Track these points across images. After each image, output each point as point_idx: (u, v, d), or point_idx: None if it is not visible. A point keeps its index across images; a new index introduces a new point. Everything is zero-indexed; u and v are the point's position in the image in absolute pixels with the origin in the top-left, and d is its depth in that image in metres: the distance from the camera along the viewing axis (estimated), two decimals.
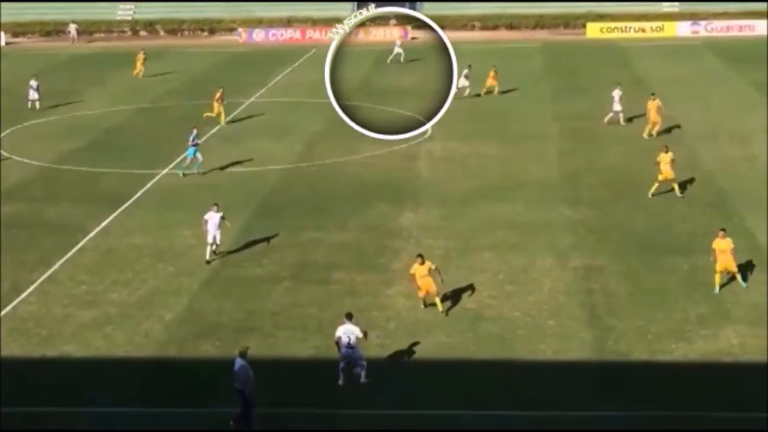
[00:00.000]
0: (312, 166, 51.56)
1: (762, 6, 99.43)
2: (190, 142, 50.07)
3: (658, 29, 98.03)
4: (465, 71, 68.82)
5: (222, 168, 51.22)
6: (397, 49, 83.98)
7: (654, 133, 55.14)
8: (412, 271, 33.51)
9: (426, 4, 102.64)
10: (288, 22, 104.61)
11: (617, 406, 27.37)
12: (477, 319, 32.87)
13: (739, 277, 34.85)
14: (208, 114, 59.91)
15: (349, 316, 28.91)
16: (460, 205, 44.23)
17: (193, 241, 40.46)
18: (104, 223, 42.90)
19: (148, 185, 48.41)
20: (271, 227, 41.92)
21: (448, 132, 57.41)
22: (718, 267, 34.47)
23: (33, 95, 66.29)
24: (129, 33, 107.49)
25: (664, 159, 44.62)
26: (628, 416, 26.86)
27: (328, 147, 54.79)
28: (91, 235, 41.48)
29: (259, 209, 44.55)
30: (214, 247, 38.24)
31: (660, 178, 44.57)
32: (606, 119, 56.87)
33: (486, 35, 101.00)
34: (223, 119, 59.94)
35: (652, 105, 55.69)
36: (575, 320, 32.63)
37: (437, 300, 33.56)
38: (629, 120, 58.68)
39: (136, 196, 46.62)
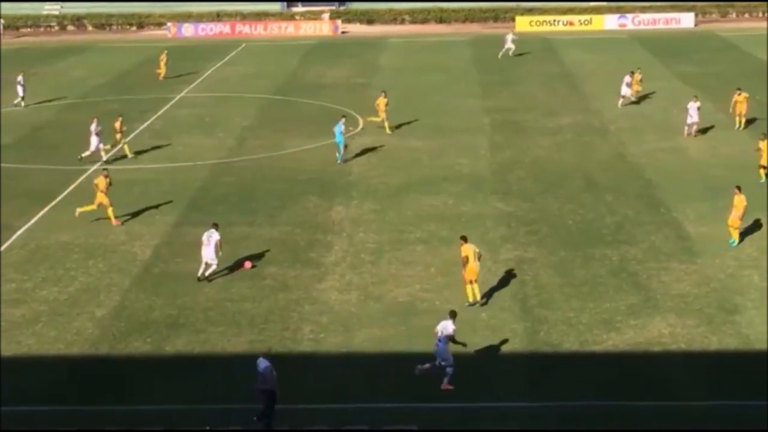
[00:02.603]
0: (242, 160, 51.39)
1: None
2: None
3: (586, 22, 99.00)
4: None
5: (152, 164, 50.84)
6: (509, 44, 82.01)
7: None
8: (464, 254, 32.93)
9: None
10: (217, 17, 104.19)
11: (549, 396, 27.64)
12: (409, 312, 32.99)
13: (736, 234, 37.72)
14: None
15: (453, 314, 28.26)
16: (392, 199, 44.34)
17: (123, 237, 40.18)
18: (33, 221, 42.45)
19: (78, 181, 47.93)
20: (202, 222, 41.65)
21: (379, 126, 57.54)
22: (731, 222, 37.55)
23: None
24: (56, 28, 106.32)
25: (764, 146, 45.52)
26: (559, 406, 27.13)
27: (258, 141, 54.66)
28: (20, 232, 41.02)
29: (190, 205, 44.31)
30: (205, 267, 35.79)
31: (763, 162, 45.57)
32: (685, 132, 55.01)
33: (416, 29, 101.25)
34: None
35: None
36: (507, 312, 32.87)
37: (477, 289, 33.23)
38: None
39: (65, 193, 46.16)
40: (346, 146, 50.58)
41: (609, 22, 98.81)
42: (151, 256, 38.23)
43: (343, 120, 51.00)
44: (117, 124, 52.04)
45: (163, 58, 75.20)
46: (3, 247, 39.38)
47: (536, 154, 51.61)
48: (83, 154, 50.42)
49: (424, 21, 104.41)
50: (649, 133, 55.36)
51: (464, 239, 33.58)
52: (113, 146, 52.05)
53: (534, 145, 53.40)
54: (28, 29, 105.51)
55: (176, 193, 45.77)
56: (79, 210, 41.90)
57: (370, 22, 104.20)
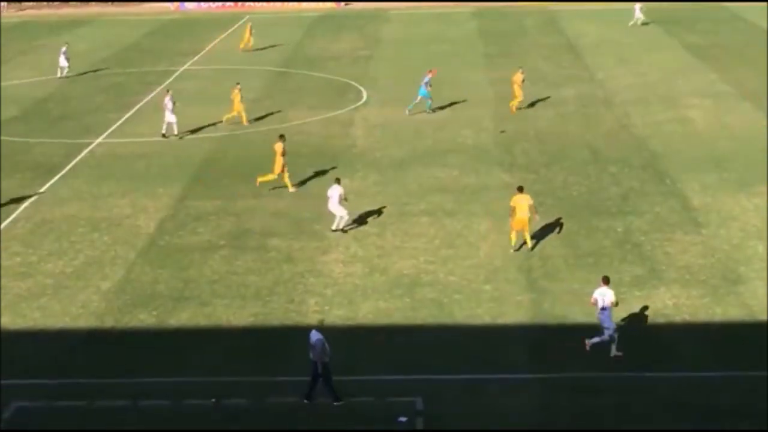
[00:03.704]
0: (247, 133, 51.32)
1: None
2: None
3: None
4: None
5: (157, 136, 50.79)
6: (638, 14, 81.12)
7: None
8: (512, 203, 34.82)
9: None
10: None
11: (554, 368, 27.68)
12: (414, 284, 33.02)
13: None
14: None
15: (606, 280, 28.40)
16: (396, 171, 44.32)
17: (128, 210, 40.22)
18: (38, 194, 42.46)
19: (82, 154, 47.95)
20: (207, 195, 41.77)
21: (383, 98, 57.51)
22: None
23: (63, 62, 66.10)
24: (58, 1, 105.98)
25: None
26: (564, 377, 27.18)
27: (263, 114, 54.56)
28: (25, 205, 41.05)
29: (195, 177, 44.30)
30: (339, 220, 37.49)
31: None
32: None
33: (418, 2, 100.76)
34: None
35: None
36: (512, 284, 32.90)
37: (528, 236, 34.95)
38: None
39: (69, 166, 46.17)
40: (428, 98, 53.59)
41: None
42: (156, 229, 38.27)
43: (429, 75, 53.56)
44: (236, 93, 52.53)
45: (248, 30, 74.69)
46: (8, 221, 39.42)
47: (540, 125, 51.51)
48: (163, 131, 50.31)
49: None
50: (654, 104, 55.22)
51: (519, 189, 35.40)
52: (233, 115, 52.56)
53: (538, 116, 53.28)
54: (31, 3, 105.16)
55: (181, 166, 45.77)
56: (259, 179, 42.29)
57: None
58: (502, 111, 54.35)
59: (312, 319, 30.58)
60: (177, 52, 74.33)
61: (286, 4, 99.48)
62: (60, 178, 44.59)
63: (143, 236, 37.63)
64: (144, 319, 31.16)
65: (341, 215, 37.32)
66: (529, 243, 35.21)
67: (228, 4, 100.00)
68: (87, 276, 34.24)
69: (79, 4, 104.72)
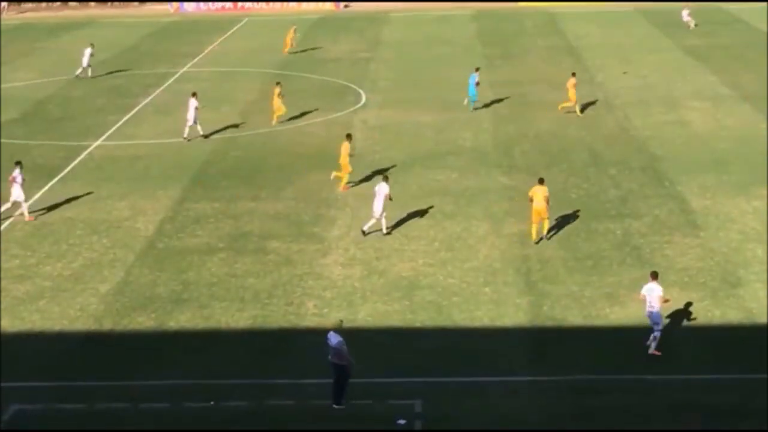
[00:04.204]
0: (246, 135, 51.32)
1: None
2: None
3: None
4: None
5: (156, 138, 50.81)
6: (686, 18, 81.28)
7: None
8: (531, 194, 36.16)
9: None
10: None
11: (553, 370, 27.67)
12: (413, 286, 33.01)
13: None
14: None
15: (654, 275, 28.71)
16: (396, 173, 44.26)
17: (127, 212, 40.21)
18: (37, 196, 42.44)
19: (81, 157, 47.95)
20: (206, 198, 41.76)
21: (383, 100, 57.53)
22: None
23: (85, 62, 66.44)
24: (58, 3, 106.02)
25: None
26: (563, 380, 27.16)
27: (262, 116, 54.53)
28: (24, 207, 40.97)
29: (194, 180, 44.28)
30: (373, 222, 37.40)
31: None
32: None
33: (418, 4, 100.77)
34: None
35: None
36: (511, 286, 32.88)
37: (546, 227, 36.27)
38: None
39: (68, 168, 46.16)
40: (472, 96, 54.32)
41: None
42: (155, 232, 38.25)
43: (477, 73, 54.70)
44: (276, 91, 52.87)
45: (291, 33, 74.78)
46: (7, 223, 39.40)
47: (540, 127, 51.51)
48: (184, 135, 50.36)
49: None
50: (653, 106, 55.24)
51: (540, 181, 36.61)
52: (276, 114, 52.88)
53: (538, 118, 53.29)
54: (30, 5, 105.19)
55: (180, 168, 45.76)
56: (334, 173, 42.73)
57: None
58: (502, 113, 54.36)
59: (311, 321, 30.61)
60: (176, 54, 74.36)
61: (285, 5, 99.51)
62: (59, 180, 44.58)
63: (142, 239, 37.61)
64: (143, 321, 31.14)
65: (377, 214, 37.11)
66: (545, 234, 36.25)
67: (227, 5, 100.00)
68: (85, 278, 34.22)
69: (78, 5, 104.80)
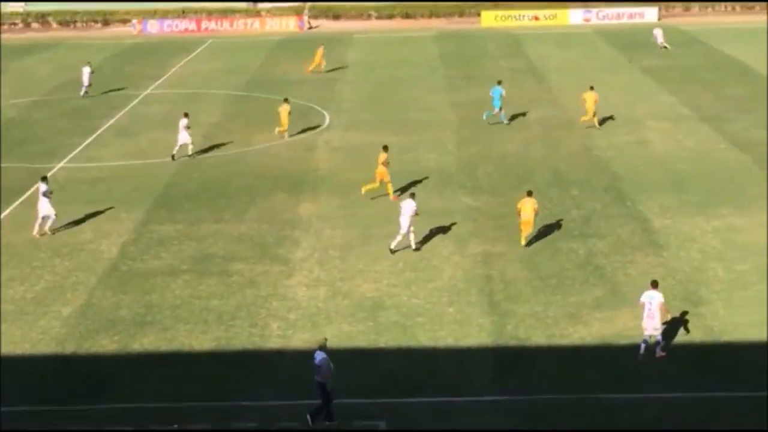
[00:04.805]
0: (210, 157, 51.24)
1: None
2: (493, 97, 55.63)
3: (551, 17, 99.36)
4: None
5: (119, 160, 50.66)
6: (660, 39, 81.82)
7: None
8: (519, 206, 37.61)
9: None
10: (183, 13, 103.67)
11: (517, 390, 27.75)
12: (377, 307, 33.05)
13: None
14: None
15: (654, 283, 29.71)
16: (360, 194, 44.33)
17: (90, 235, 40.06)
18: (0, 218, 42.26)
19: None
20: (169, 220, 41.67)
21: (347, 121, 57.64)
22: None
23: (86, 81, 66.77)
24: (20, 25, 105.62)
25: None
26: (528, 400, 27.25)
27: (225, 138, 54.51)
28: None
29: (158, 202, 44.17)
30: (400, 239, 37.46)
31: None
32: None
33: (382, 24, 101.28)
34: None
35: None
36: (474, 306, 32.99)
37: (528, 235, 37.69)
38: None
39: (31, 190, 45.87)
40: (500, 109, 55.52)
41: (574, 16, 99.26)
42: (118, 254, 38.11)
43: (500, 85, 56.34)
44: (282, 111, 53.59)
45: (321, 51, 74.85)
46: None
47: (503, 148, 51.75)
48: (174, 152, 50.71)
49: (390, 16, 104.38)
50: (615, 126, 55.61)
51: (528, 193, 38.07)
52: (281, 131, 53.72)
53: (501, 139, 53.53)
54: None
55: (143, 190, 45.64)
56: (364, 188, 43.15)
57: (336, 17, 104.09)
58: (465, 134, 54.55)
59: (275, 343, 30.59)
60: (140, 75, 74.25)
61: (248, 27, 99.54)
62: (21, 203, 44.33)
63: (105, 261, 37.46)
64: (106, 344, 31.00)
65: (404, 231, 37.27)
66: (524, 242, 37.57)
67: (191, 27, 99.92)
68: (48, 301, 34.03)
69: (41, 28, 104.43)
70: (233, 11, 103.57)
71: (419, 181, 45.98)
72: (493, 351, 30.18)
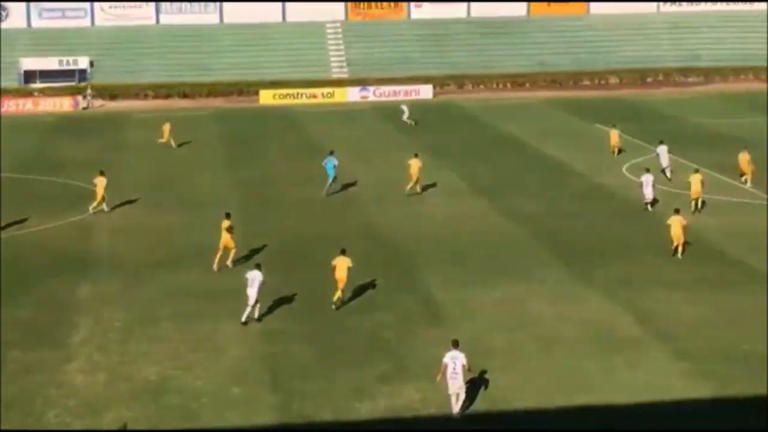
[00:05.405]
0: None
1: (426, 71, 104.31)
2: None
3: (329, 95, 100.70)
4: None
5: None
6: (406, 114, 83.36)
7: None
8: (334, 263, 38.80)
9: (97, 75, 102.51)
10: None
11: None
12: (159, 391, 32.26)
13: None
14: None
15: (455, 343, 30.25)
16: (140, 276, 43.48)
17: None
18: None
19: None
20: None
21: (125, 202, 56.64)
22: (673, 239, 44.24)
23: None
24: None
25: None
26: None
27: None
28: None
29: None
30: (251, 309, 37.87)
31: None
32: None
33: (160, 103, 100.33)
34: None
35: None
36: (261, 385, 32.61)
37: (340, 292, 38.84)
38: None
39: None
40: (335, 179, 57.26)
41: (351, 94, 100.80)
42: None
43: (333, 155, 58.48)
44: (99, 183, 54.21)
45: (167, 127, 74.69)
46: None
47: (285, 225, 51.74)
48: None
49: (168, 96, 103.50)
50: (395, 201, 56.34)
51: (342, 252, 39.28)
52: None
53: (281, 216, 53.54)
54: None
55: None
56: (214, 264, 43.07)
57: (112, 97, 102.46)
58: (246, 214, 54.23)
59: None
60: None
61: (20, 107, 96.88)
62: None
63: None
64: None
65: (251, 302, 37.62)
66: (338, 296, 38.98)
67: None
68: None
69: None
70: (4, 91, 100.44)
71: (203, 260, 45.32)
72: (281, 430, 29.82)
